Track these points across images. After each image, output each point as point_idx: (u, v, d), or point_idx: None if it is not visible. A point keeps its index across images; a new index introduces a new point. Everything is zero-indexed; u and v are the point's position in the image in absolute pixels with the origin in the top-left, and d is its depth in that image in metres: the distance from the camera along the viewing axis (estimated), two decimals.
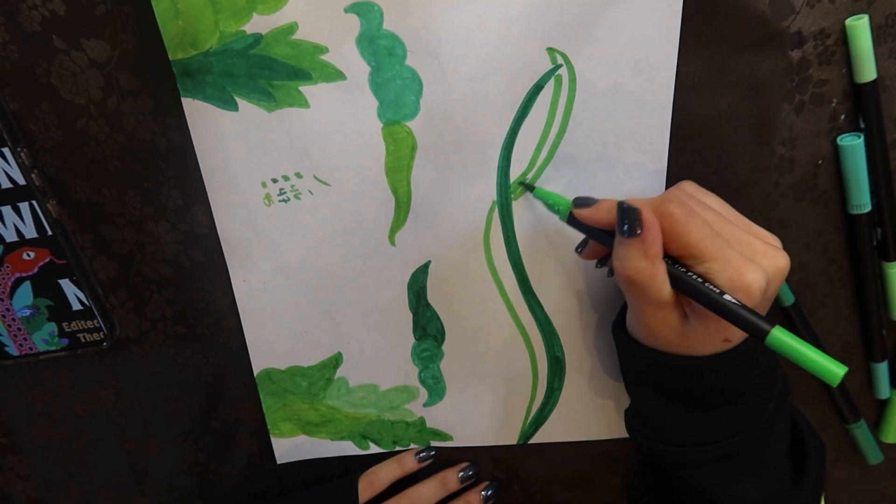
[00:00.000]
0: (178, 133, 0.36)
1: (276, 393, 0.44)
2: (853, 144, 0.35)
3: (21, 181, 0.37)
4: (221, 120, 0.36)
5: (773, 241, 0.31)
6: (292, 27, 0.33)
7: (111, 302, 0.41)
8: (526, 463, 0.46)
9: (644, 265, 0.29)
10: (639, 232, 0.29)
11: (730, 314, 0.28)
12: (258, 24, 0.33)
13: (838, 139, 0.36)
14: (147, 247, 0.40)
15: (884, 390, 0.42)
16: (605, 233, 0.32)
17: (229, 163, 0.37)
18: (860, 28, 0.33)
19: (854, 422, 0.43)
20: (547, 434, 0.44)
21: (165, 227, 0.39)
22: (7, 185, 0.37)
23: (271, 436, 0.45)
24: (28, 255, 0.39)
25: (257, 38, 0.33)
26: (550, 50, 0.33)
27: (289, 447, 0.46)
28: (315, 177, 0.37)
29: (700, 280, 0.29)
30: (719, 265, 0.28)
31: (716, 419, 0.33)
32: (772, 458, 0.35)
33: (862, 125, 0.35)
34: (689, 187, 0.32)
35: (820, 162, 0.36)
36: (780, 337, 0.27)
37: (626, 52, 0.33)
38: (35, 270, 0.39)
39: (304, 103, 0.35)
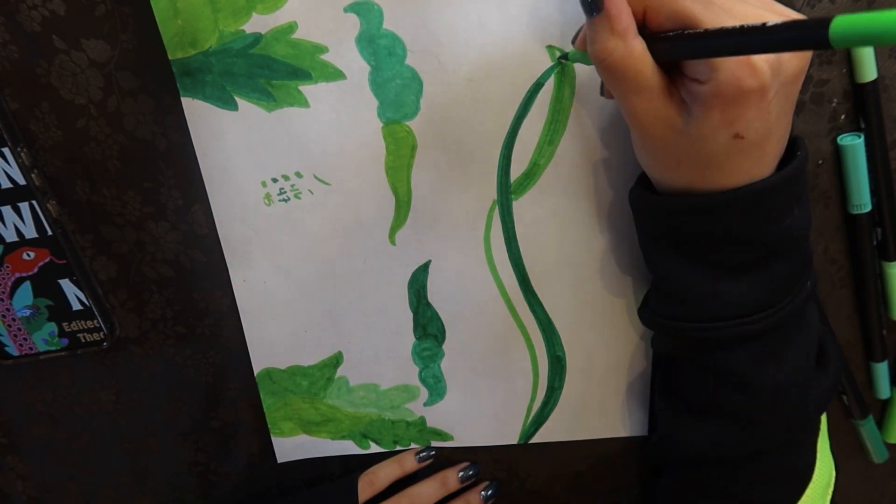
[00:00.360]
0: (178, 133, 0.36)
1: (276, 392, 0.44)
2: (853, 144, 0.35)
3: (21, 181, 0.37)
4: (221, 119, 0.36)
5: (796, 16, 0.25)
6: (292, 26, 0.33)
7: (111, 302, 0.41)
8: (526, 463, 0.46)
9: (615, 42, 0.25)
10: (601, 7, 0.25)
11: (763, 41, 0.21)
12: (258, 23, 0.33)
13: (838, 139, 0.36)
14: (147, 247, 0.40)
15: (884, 390, 0.42)
16: None
17: (229, 162, 0.37)
18: None
19: (862, 418, 0.42)
20: (548, 433, 0.44)
21: (165, 227, 0.39)
22: (7, 185, 0.37)
23: (272, 435, 0.45)
24: (28, 255, 0.39)
25: (257, 38, 0.33)
26: (550, 48, 0.33)
27: (289, 446, 0.46)
28: (315, 176, 0.37)
29: (693, 35, 0.24)
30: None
31: (748, 286, 0.29)
32: (804, 340, 0.31)
33: (862, 125, 0.35)
34: None
35: (820, 162, 0.36)
36: (846, 20, 0.18)
37: None
38: (35, 270, 0.39)
39: (303, 103, 0.35)
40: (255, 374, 0.43)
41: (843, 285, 0.39)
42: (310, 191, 0.37)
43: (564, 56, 0.34)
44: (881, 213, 0.37)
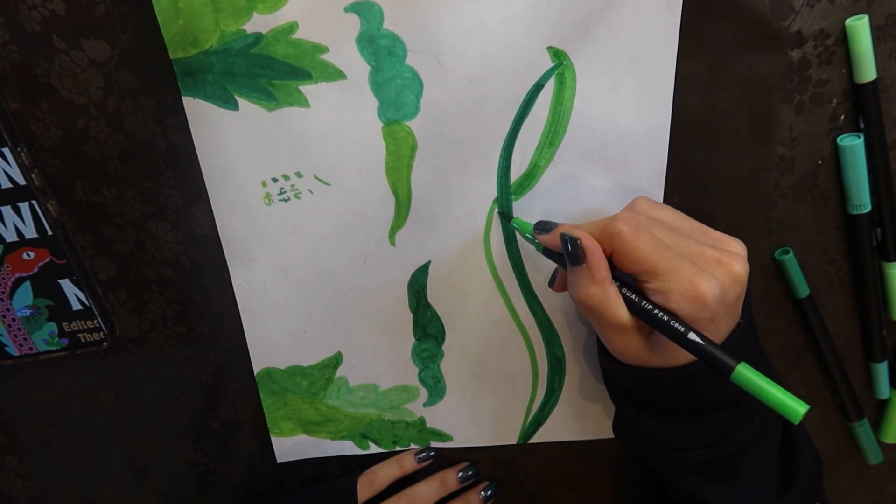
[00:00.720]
0: (178, 133, 0.36)
1: (276, 392, 0.44)
2: (853, 144, 0.35)
3: (21, 181, 0.37)
4: (222, 119, 0.36)
5: (734, 246, 0.31)
6: (292, 26, 0.33)
7: (111, 302, 0.41)
8: (526, 463, 0.46)
9: (594, 290, 0.30)
10: (583, 260, 0.30)
11: (692, 349, 0.28)
12: (258, 23, 0.33)
13: (838, 139, 0.36)
14: (147, 247, 0.40)
15: (884, 390, 0.42)
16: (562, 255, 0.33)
17: (229, 162, 0.37)
18: (860, 28, 0.33)
19: (857, 420, 0.43)
20: (547, 433, 0.44)
21: (165, 227, 0.39)
22: (7, 185, 0.37)
23: (271, 435, 0.45)
24: (28, 255, 0.39)
25: (257, 38, 0.33)
26: (551, 49, 0.33)
27: (289, 446, 0.46)
28: (315, 176, 0.37)
29: (656, 311, 0.29)
30: (672, 277, 0.29)
31: (698, 427, 0.33)
32: (758, 464, 0.35)
33: (862, 125, 0.35)
34: (640, 204, 0.33)
35: (820, 162, 0.36)
36: (745, 374, 0.27)
37: (626, 51, 0.33)
38: (35, 270, 0.39)
39: (304, 103, 0.35)
40: (255, 373, 0.43)
41: (842, 285, 0.39)
42: (310, 191, 0.37)
43: (508, 218, 0.37)
44: (881, 213, 0.37)
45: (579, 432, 0.44)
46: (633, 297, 0.30)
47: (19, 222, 0.38)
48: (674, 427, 0.34)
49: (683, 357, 0.31)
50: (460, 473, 0.45)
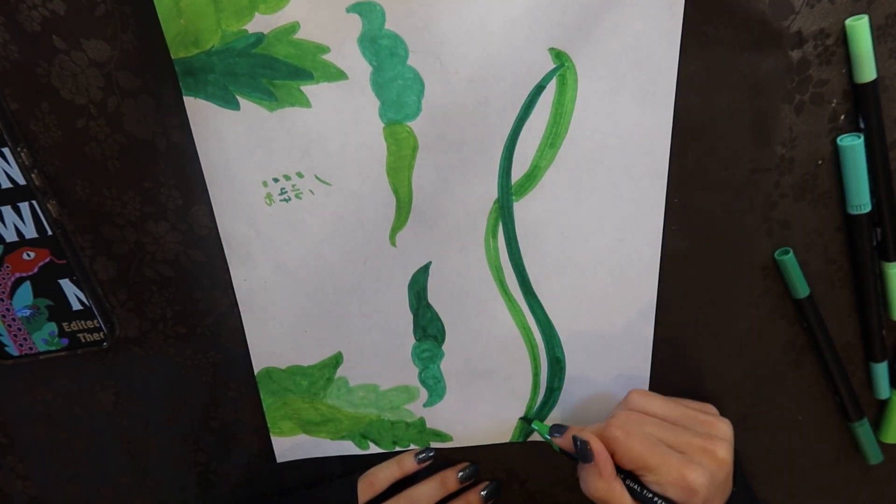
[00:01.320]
0: (178, 133, 0.36)
1: (276, 392, 0.44)
2: (853, 144, 0.35)
3: (21, 181, 0.37)
4: (223, 119, 0.36)
5: (719, 430, 0.36)
6: (294, 27, 0.33)
7: (111, 302, 0.41)
8: (526, 463, 0.46)
9: (602, 484, 0.35)
10: (591, 460, 0.35)
11: None
12: (260, 23, 0.33)
13: (838, 139, 0.36)
14: (147, 247, 0.40)
15: (883, 390, 0.42)
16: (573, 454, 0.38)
17: (230, 162, 0.37)
18: (860, 28, 0.33)
19: (857, 420, 0.43)
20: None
21: (165, 227, 0.39)
22: (7, 185, 0.37)
23: (271, 434, 0.45)
24: (28, 255, 0.39)
25: (259, 38, 0.33)
26: (552, 50, 0.33)
27: (289, 446, 0.46)
28: (316, 176, 0.37)
29: (656, 499, 0.34)
30: (663, 471, 0.34)
31: None
32: None
33: (862, 125, 0.35)
34: (633, 399, 0.38)
35: (820, 162, 0.36)
36: None
37: (628, 53, 0.33)
38: (35, 270, 0.39)
39: (305, 103, 0.35)
40: (256, 373, 0.43)
41: (843, 285, 0.40)
42: (311, 191, 0.37)
43: (529, 421, 0.42)
44: (881, 213, 0.37)
45: None
46: (636, 487, 0.35)
47: (19, 222, 0.38)
48: None
49: None
50: (460, 473, 0.45)
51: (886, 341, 0.40)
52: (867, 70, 0.34)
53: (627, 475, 0.36)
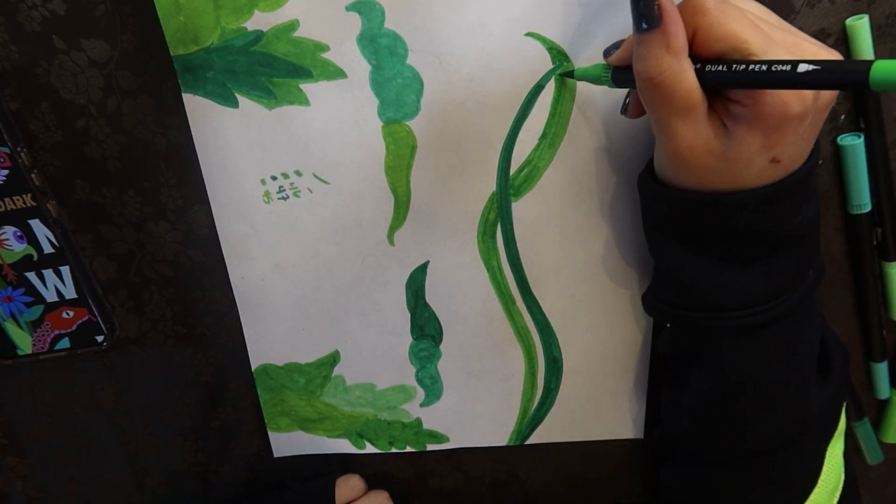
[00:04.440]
0: (178, 133, 0.36)
1: (273, 388, 0.44)
2: (853, 144, 0.35)
3: (58, 244, 0.38)
4: (222, 116, 0.36)
5: (825, 48, 0.27)
6: (293, 25, 0.33)
7: (111, 302, 0.41)
8: (526, 463, 0.46)
9: (669, 60, 0.25)
10: (658, 23, 0.25)
11: (810, 80, 0.22)
12: (259, 21, 0.33)
13: (838, 139, 0.36)
14: (147, 247, 0.40)
15: (884, 390, 0.42)
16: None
17: (229, 159, 0.37)
18: (860, 28, 0.33)
19: (858, 420, 0.42)
20: (543, 434, 0.44)
21: (165, 227, 0.39)
22: (49, 249, 0.38)
23: (268, 430, 0.45)
24: (67, 314, 0.40)
25: (258, 35, 0.33)
26: (552, 50, 0.33)
27: (285, 442, 0.46)
28: (314, 175, 0.37)
29: (746, 66, 0.24)
30: (770, 56, 0.24)
31: (754, 276, 0.29)
32: (806, 339, 0.32)
33: (862, 125, 0.35)
34: None
35: (820, 162, 0.36)
36: (885, 66, 0.20)
37: None
38: (73, 328, 0.41)
39: (304, 101, 0.35)
40: (253, 369, 0.43)
41: (843, 285, 0.39)
42: (309, 189, 0.37)
43: (570, 73, 0.34)
44: (881, 213, 0.37)
45: (576, 433, 0.44)
46: (713, 67, 0.25)
47: (60, 284, 0.39)
48: (731, 275, 0.29)
49: (754, 171, 0.27)
50: None
51: (887, 341, 0.40)
52: None
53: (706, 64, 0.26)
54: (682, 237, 0.31)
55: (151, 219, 0.39)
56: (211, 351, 0.43)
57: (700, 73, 0.26)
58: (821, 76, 0.22)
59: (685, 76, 0.25)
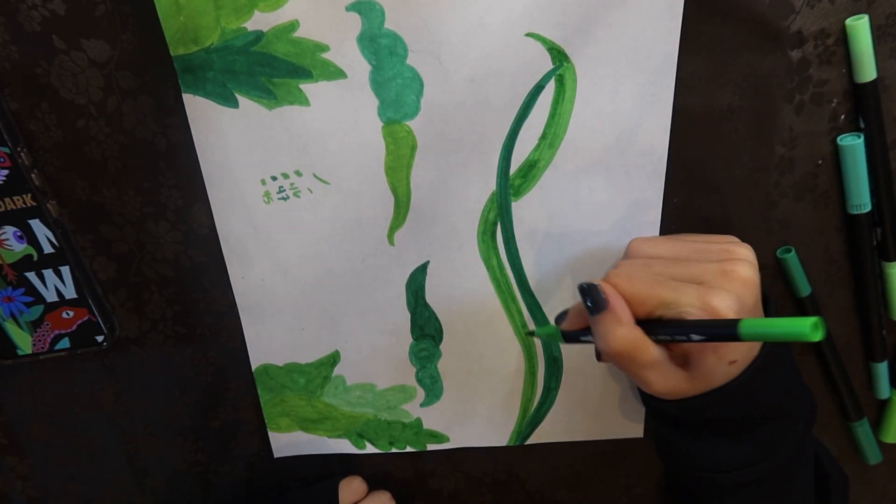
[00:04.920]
0: (178, 133, 0.36)
1: (273, 388, 0.44)
2: (853, 144, 0.35)
3: (59, 244, 0.38)
4: (222, 116, 0.36)
5: (737, 252, 0.31)
6: (293, 25, 0.33)
7: (111, 302, 0.41)
8: (526, 463, 0.46)
9: (622, 331, 0.30)
10: (605, 305, 0.30)
11: (698, 330, 0.28)
12: (259, 21, 0.33)
13: (838, 139, 0.36)
14: (147, 247, 0.40)
15: (884, 390, 0.42)
16: (585, 331, 0.34)
17: (229, 159, 0.37)
18: (860, 28, 0.33)
19: (857, 420, 0.42)
20: (544, 434, 0.44)
21: (165, 227, 0.39)
22: (49, 249, 0.38)
23: (268, 430, 0.45)
24: (67, 314, 0.40)
25: (258, 36, 0.33)
26: (552, 50, 0.33)
27: (285, 442, 0.46)
28: (315, 175, 0.37)
29: (673, 323, 0.29)
30: (684, 305, 0.29)
31: (743, 445, 0.33)
32: (800, 484, 0.35)
33: (862, 125, 0.35)
34: (633, 248, 0.34)
35: (820, 162, 0.36)
36: (749, 323, 0.27)
37: (628, 53, 0.33)
38: (73, 328, 0.41)
39: (304, 101, 0.35)
40: (253, 369, 0.43)
41: (843, 285, 0.39)
42: (309, 189, 0.37)
43: (531, 333, 0.40)
44: (881, 213, 0.37)
45: (576, 433, 0.44)
46: (659, 337, 0.30)
47: (60, 284, 0.39)
48: (721, 447, 0.33)
49: (722, 376, 0.31)
50: None
51: (887, 341, 0.40)
52: (867, 70, 0.33)
53: (644, 325, 0.31)
54: (677, 424, 0.35)
55: (151, 219, 0.39)
56: (211, 351, 0.43)
57: (650, 334, 0.30)
58: (709, 338, 0.28)
59: (639, 340, 0.30)
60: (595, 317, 0.31)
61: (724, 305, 0.28)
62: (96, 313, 0.40)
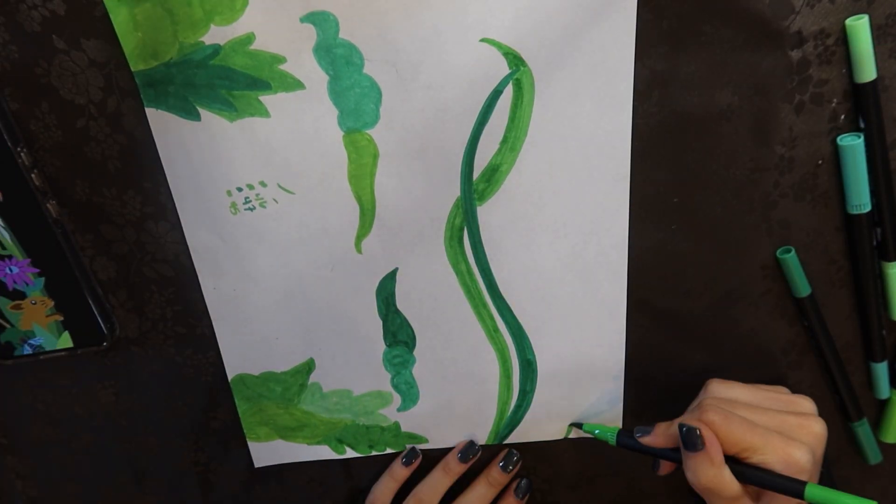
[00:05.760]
0: None
1: (250, 398, 0.44)
2: (853, 145, 0.35)
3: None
4: (185, 129, 0.36)
5: (806, 406, 0.36)
6: (250, 38, 0.33)
7: (111, 302, 0.41)
8: (526, 462, 0.46)
9: (714, 472, 0.33)
10: (701, 447, 0.33)
11: (776, 486, 0.33)
12: (216, 34, 0.33)
13: (838, 139, 0.36)
14: (147, 247, 0.40)
15: (883, 390, 0.42)
16: (663, 449, 0.37)
17: (195, 171, 0.37)
18: (860, 28, 0.33)
19: (857, 420, 0.43)
20: (522, 436, 0.44)
21: (165, 227, 0.39)
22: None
23: (248, 440, 0.45)
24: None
25: (216, 49, 0.33)
26: (507, 55, 0.33)
27: (266, 451, 0.46)
28: (279, 185, 0.37)
29: (755, 469, 0.33)
30: (769, 451, 0.33)
31: None
32: None
33: (862, 125, 0.35)
34: (715, 389, 0.37)
35: (820, 162, 0.36)
36: (815, 490, 0.32)
37: (584, 56, 0.33)
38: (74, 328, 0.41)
39: (264, 112, 0.35)
40: (229, 379, 0.43)
41: (843, 285, 0.39)
42: (275, 199, 0.37)
43: (578, 426, 0.42)
44: (881, 213, 0.37)
45: (553, 435, 0.44)
46: (743, 470, 0.34)
47: None
48: None
49: None
50: (459, 455, 0.44)
51: (887, 341, 0.40)
52: (867, 70, 0.33)
53: (729, 460, 0.34)
54: None
55: (151, 219, 0.39)
56: (211, 351, 0.43)
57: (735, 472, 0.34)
58: (779, 487, 0.33)
59: (725, 479, 0.33)
60: (691, 454, 0.34)
61: (804, 459, 0.32)
62: (96, 313, 0.40)
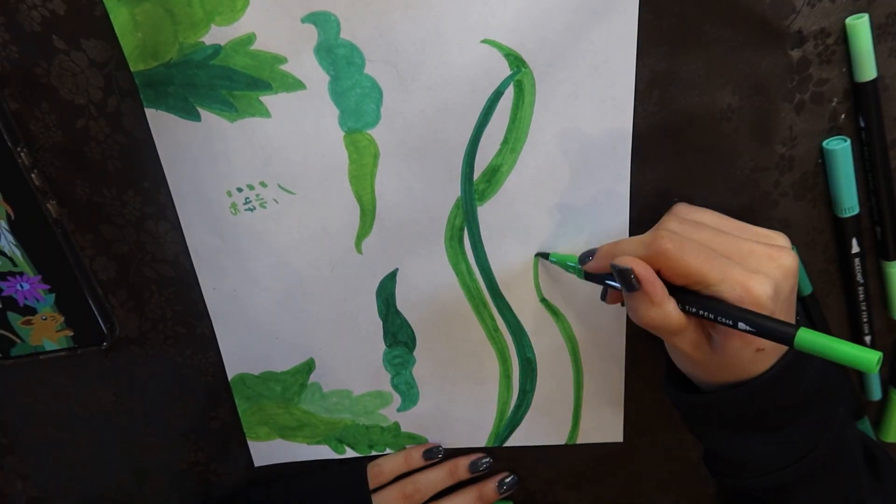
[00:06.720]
0: None
1: (250, 397, 0.44)
2: (839, 149, 0.35)
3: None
4: (185, 130, 0.36)
5: (779, 239, 0.32)
6: (250, 38, 0.33)
7: (111, 302, 0.41)
8: (526, 462, 0.46)
9: (655, 312, 0.31)
10: (637, 288, 0.30)
11: (751, 325, 0.28)
12: (217, 35, 0.33)
13: (824, 143, 0.35)
14: (147, 247, 0.40)
15: (875, 392, 0.42)
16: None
17: (195, 172, 0.37)
18: (860, 27, 0.33)
19: (857, 419, 0.42)
20: (522, 437, 0.44)
21: (165, 227, 0.39)
22: None
23: (248, 439, 0.45)
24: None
25: (216, 49, 0.33)
26: (509, 56, 0.33)
27: (266, 451, 0.46)
28: (279, 186, 0.37)
29: (712, 302, 0.29)
30: (724, 285, 0.29)
31: (789, 439, 0.33)
32: (854, 462, 0.35)
33: (862, 124, 0.35)
34: (680, 210, 0.34)
35: (820, 161, 0.36)
36: (808, 337, 0.27)
37: (585, 57, 0.33)
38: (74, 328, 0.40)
39: (265, 113, 0.35)
40: (230, 378, 0.43)
41: (842, 285, 0.39)
42: (275, 200, 0.37)
43: (546, 256, 0.38)
44: (881, 214, 0.37)
45: (553, 436, 0.44)
46: (692, 308, 0.30)
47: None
48: (765, 445, 0.33)
49: (749, 363, 0.31)
50: (470, 463, 0.44)
51: (877, 343, 0.40)
52: (867, 69, 0.33)
53: (679, 291, 0.31)
54: (718, 426, 0.34)
55: (151, 219, 0.39)
56: (211, 351, 0.43)
57: (681, 306, 0.31)
58: (757, 325, 0.28)
59: (669, 317, 0.30)
60: (629, 294, 0.31)
61: (763, 293, 0.28)
62: (96, 313, 0.40)
